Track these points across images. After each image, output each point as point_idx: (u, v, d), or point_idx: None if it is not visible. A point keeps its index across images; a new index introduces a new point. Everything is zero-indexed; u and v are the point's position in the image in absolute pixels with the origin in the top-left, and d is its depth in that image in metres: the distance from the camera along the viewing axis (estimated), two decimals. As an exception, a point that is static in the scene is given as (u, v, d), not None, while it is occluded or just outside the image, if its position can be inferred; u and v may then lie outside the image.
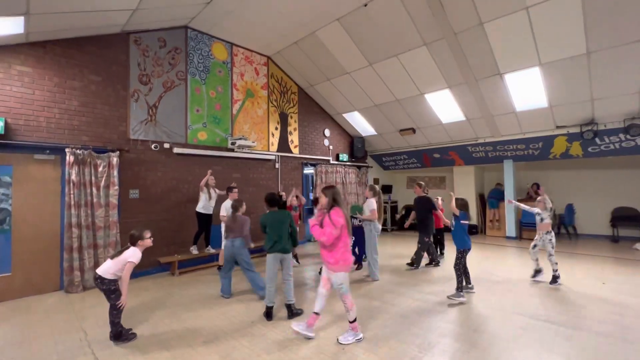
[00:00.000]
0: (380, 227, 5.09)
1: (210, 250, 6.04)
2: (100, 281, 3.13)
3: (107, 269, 3.15)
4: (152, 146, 5.66)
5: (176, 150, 5.91)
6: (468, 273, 4.36)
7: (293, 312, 3.68)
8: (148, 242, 3.34)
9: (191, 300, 4.31)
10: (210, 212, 5.89)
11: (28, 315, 3.85)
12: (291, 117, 8.27)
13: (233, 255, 4.25)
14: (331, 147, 9.35)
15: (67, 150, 4.65)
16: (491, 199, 9.20)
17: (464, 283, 4.24)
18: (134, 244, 3.28)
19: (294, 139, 8.30)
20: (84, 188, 4.81)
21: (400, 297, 4.27)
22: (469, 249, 4.28)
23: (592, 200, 8.66)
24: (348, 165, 9.74)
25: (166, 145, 5.82)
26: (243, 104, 7.16)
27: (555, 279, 4.62)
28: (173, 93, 5.99)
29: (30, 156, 4.56)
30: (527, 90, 6.33)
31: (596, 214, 8.60)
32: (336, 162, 9.37)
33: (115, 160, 5.08)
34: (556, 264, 4.63)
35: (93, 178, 4.89)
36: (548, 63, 5.58)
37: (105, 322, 3.57)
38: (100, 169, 4.96)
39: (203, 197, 5.79)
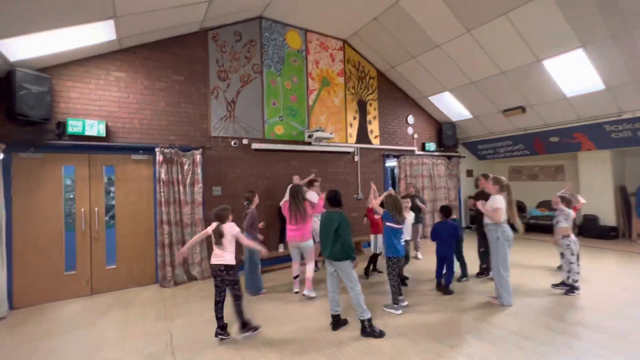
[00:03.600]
0: (511, 233, 3.69)
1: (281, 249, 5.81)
2: (226, 272, 3.14)
3: (226, 255, 3.17)
4: (232, 143, 5.59)
5: (254, 145, 5.76)
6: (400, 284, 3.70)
7: (366, 330, 3.06)
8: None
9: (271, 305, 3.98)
10: None
11: (127, 309, 4.02)
12: (370, 105, 7.51)
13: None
14: (416, 135, 8.27)
15: (156, 149, 4.81)
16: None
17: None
18: (223, 221, 3.25)
19: (373, 128, 7.52)
20: (172, 186, 4.94)
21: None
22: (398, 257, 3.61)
23: None
24: (436, 155, 8.52)
25: (245, 141, 5.70)
26: (319, 93, 6.69)
27: (572, 288, 3.93)
28: (250, 87, 5.84)
29: (128, 157, 4.84)
30: None
31: None
32: (422, 153, 8.27)
33: (198, 157, 5.12)
34: (577, 274, 3.96)
35: (179, 176, 4.99)
36: None
37: (189, 325, 3.45)
38: (185, 167, 5.04)
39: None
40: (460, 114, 8.24)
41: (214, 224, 3.28)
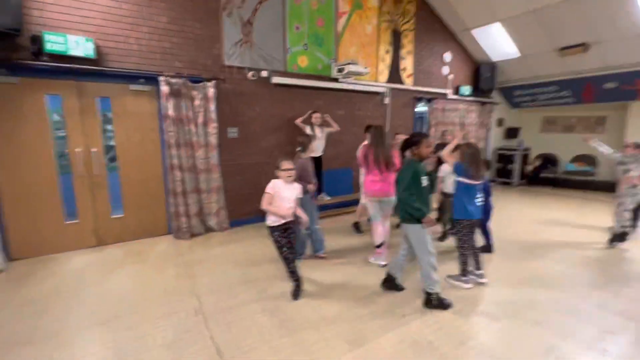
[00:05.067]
0: None
1: (326, 197, 5.26)
2: (291, 227, 2.80)
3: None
4: (250, 75, 4.66)
5: (275, 79, 4.83)
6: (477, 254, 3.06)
7: (432, 303, 2.59)
8: (282, 174, 2.73)
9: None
10: (319, 154, 4.95)
11: (141, 264, 3.54)
12: (405, 37, 6.37)
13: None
14: (451, 76, 7.26)
15: (160, 79, 3.92)
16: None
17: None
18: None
19: (407, 65, 6.49)
20: (181, 125, 4.15)
21: None
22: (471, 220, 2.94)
23: None
24: (469, 100, 7.61)
25: (264, 74, 4.76)
26: (349, 18, 5.54)
27: (621, 236, 3.94)
28: (269, 5, 4.71)
29: (126, 86, 3.96)
30: None
31: None
32: (456, 97, 7.35)
33: (212, 91, 4.24)
34: (629, 221, 3.97)
35: (190, 113, 4.17)
36: None
37: (218, 288, 2.98)
38: (196, 102, 4.19)
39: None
40: (504, 53, 7.14)
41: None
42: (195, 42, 4.23)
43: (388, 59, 6.17)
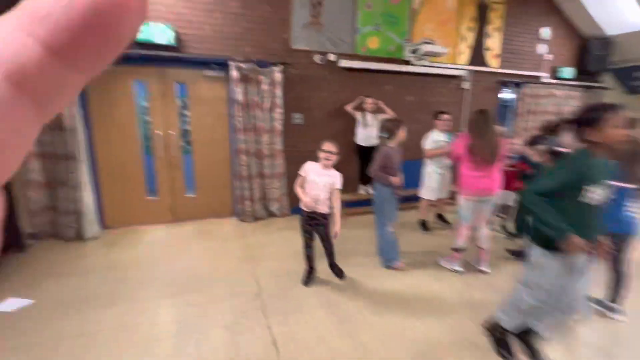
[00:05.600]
0: None
1: (370, 190, 4.89)
2: (319, 219, 2.60)
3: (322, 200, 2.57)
4: (318, 59, 4.50)
5: (342, 63, 4.59)
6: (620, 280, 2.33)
7: (495, 337, 2.00)
8: (320, 155, 2.60)
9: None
10: (373, 144, 4.53)
11: (209, 242, 3.71)
12: (494, 11, 5.53)
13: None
14: (550, 56, 6.13)
15: (231, 64, 3.98)
16: None
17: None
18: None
19: (493, 45, 5.65)
20: (249, 110, 4.20)
21: None
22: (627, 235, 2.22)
23: None
24: (572, 85, 6.37)
25: (331, 57, 4.56)
26: (428, -9, 4.98)
27: None
28: (340, -18, 4.45)
29: (200, 73, 4.12)
30: None
31: None
32: (553, 81, 6.21)
33: (278, 76, 4.19)
34: None
35: (257, 98, 4.19)
36: None
37: (277, 274, 2.94)
38: (263, 86, 4.19)
39: (359, 123, 4.54)
40: (626, 23, 5.75)
41: None
42: (265, 26, 4.20)
43: (470, 37, 5.43)
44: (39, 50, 0.15)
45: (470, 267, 3.00)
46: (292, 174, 4.61)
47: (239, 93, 4.06)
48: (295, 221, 4.37)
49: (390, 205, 2.96)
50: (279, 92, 4.24)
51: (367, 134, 4.52)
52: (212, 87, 4.22)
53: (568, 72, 6.28)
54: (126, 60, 3.71)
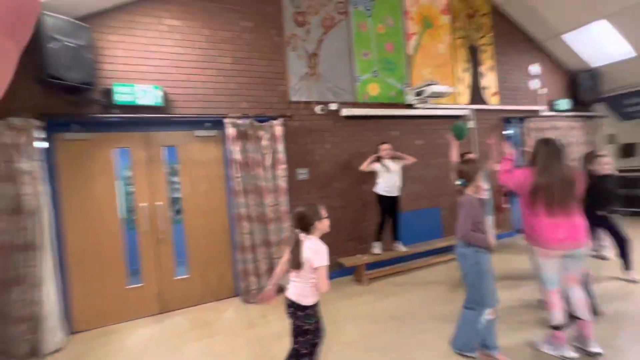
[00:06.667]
0: None
1: (401, 247, 4.24)
2: (295, 310, 1.86)
3: (299, 289, 1.86)
4: (318, 109, 4.18)
5: (345, 112, 4.29)
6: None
7: None
8: (326, 223, 1.94)
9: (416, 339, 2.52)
10: (396, 194, 4.06)
11: (209, 340, 2.87)
12: (483, 52, 5.58)
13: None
14: (544, 90, 6.14)
15: (226, 121, 3.57)
16: None
17: None
18: (307, 229, 1.89)
19: (489, 83, 5.60)
20: (248, 169, 3.69)
21: None
22: None
23: None
24: (570, 116, 6.31)
25: (333, 107, 4.26)
26: (420, 38, 4.98)
27: None
28: (334, 34, 4.35)
29: (191, 133, 3.68)
30: None
31: None
32: (552, 114, 6.13)
33: (279, 129, 3.79)
34: None
35: (257, 155, 3.72)
36: None
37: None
38: (263, 142, 3.75)
39: (380, 173, 4.03)
40: (610, 55, 5.90)
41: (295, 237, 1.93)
42: (261, 80, 3.92)
43: (467, 78, 5.37)
44: None
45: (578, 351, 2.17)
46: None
47: (236, 152, 3.59)
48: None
49: (488, 279, 2.17)
50: (280, 146, 3.80)
51: (391, 182, 4.03)
52: (206, 148, 3.75)
53: (564, 103, 6.26)
54: (106, 126, 3.25)
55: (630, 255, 3.37)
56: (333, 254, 3.98)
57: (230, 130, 3.57)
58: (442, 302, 3.27)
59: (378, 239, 4.18)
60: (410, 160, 4.18)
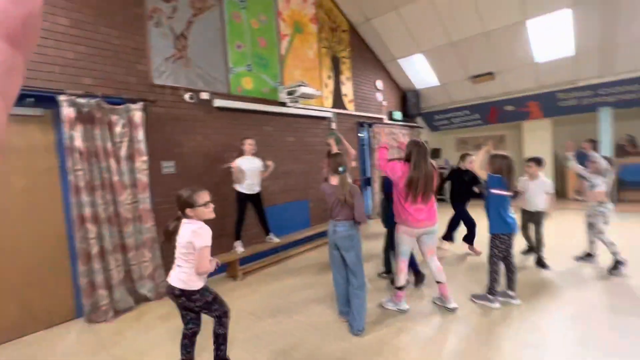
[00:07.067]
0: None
1: (274, 239, 4.40)
2: (185, 297, 1.88)
3: (182, 274, 1.88)
4: (187, 96, 3.83)
5: (218, 102, 4.10)
6: (512, 272, 2.87)
7: None
8: (204, 211, 1.91)
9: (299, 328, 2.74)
10: (257, 191, 4.04)
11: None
12: (343, 63, 6.41)
13: (337, 247, 2.60)
14: (385, 102, 7.58)
15: (61, 98, 2.81)
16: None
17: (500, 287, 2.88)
18: (184, 213, 1.91)
19: (347, 91, 6.49)
20: (96, 160, 3.03)
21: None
22: (509, 234, 2.77)
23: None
24: (402, 125, 8.05)
25: (204, 96, 4.00)
26: (292, 41, 5.27)
27: (617, 265, 3.29)
28: (206, 19, 4.07)
29: (1, 110, 2.71)
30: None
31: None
32: (390, 122, 7.67)
33: (138, 115, 3.27)
34: (613, 244, 3.34)
35: (109, 144, 3.10)
36: None
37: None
38: (117, 129, 3.16)
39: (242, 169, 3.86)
40: (426, 81, 7.87)
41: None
42: (112, 54, 3.26)
43: (331, 84, 6.06)
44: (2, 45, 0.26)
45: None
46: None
47: (77, 138, 2.88)
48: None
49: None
50: (140, 135, 3.28)
51: (252, 179, 3.91)
52: (25, 131, 2.85)
53: (398, 115, 7.93)
54: None
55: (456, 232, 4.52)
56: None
57: (68, 111, 2.83)
58: (314, 285, 3.62)
59: (238, 238, 4.04)
60: (270, 166, 4.07)
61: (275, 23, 4.98)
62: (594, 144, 3.95)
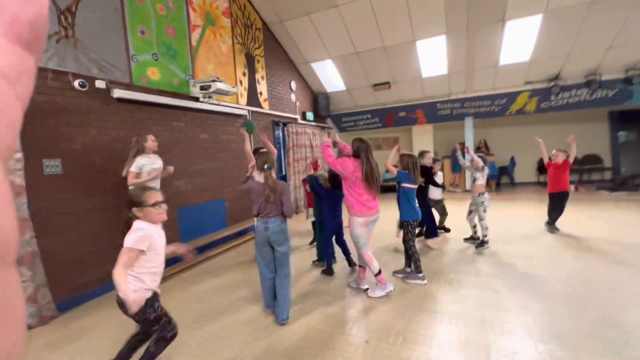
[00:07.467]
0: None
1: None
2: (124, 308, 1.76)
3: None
4: (76, 83, 3.27)
5: (118, 93, 3.62)
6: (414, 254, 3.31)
7: None
8: (152, 212, 1.79)
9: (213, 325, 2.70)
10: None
11: None
12: (258, 62, 6.40)
13: (269, 243, 2.69)
14: (298, 103, 7.87)
15: None
16: (455, 163, 9.37)
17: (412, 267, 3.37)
18: (131, 211, 1.83)
19: (262, 90, 6.51)
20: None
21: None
22: (416, 220, 3.30)
23: (525, 153, 9.92)
24: (313, 125, 8.49)
25: (100, 84, 3.48)
26: (203, 32, 5.00)
27: (483, 243, 4.14)
28: (99, -4, 3.55)
29: None
30: (518, 42, 6.31)
31: (527, 164, 9.92)
32: (303, 122, 8.01)
33: (10, 103, 2.65)
34: (487, 229, 4.14)
35: (-35, 137, 2.43)
36: (555, 9, 5.52)
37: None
38: (-22, 119, 2.50)
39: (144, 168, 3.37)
40: (335, 86, 8.48)
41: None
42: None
43: (245, 81, 5.98)
44: (11, 46, 0.26)
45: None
46: (53, 250, 3.06)
47: None
48: (75, 323, 2.89)
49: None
50: (13, 127, 2.67)
51: (156, 180, 3.48)
52: None
53: (310, 115, 8.33)
54: None
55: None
56: (107, 262, 3.34)
57: None
58: (237, 285, 3.58)
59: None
60: (168, 171, 3.64)
61: (186, 12, 4.66)
62: (463, 145, 5.02)
